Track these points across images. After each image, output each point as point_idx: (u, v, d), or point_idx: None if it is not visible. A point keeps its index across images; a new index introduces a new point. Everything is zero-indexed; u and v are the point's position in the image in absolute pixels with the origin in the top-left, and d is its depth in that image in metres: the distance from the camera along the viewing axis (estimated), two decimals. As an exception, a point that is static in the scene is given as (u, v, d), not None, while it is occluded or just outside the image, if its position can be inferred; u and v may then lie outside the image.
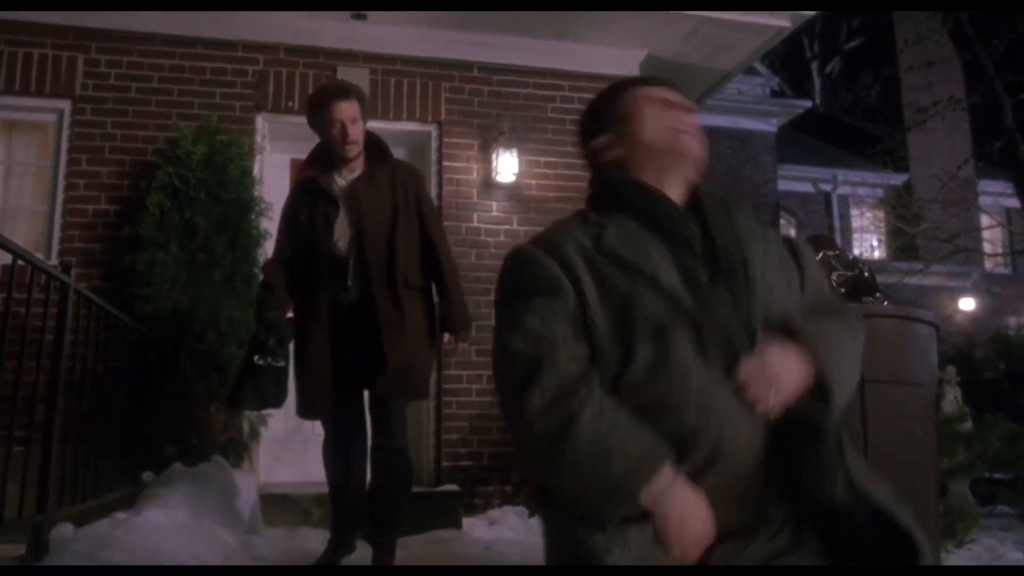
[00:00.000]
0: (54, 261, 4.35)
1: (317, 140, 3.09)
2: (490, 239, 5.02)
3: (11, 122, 4.85)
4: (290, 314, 3.07)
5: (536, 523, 2.52)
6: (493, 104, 5.17)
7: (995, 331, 12.37)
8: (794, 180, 15.63)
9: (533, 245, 1.39)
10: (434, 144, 5.10)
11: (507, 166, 5.02)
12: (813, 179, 16.05)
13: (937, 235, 11.16)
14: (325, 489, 3.12)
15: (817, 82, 22.33)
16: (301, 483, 4.37)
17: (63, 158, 4.67)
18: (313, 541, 3.51)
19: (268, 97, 4.89)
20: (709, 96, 6.25)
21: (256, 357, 2.92)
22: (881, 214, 15.34)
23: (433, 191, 4.90)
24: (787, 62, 21.14)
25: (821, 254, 2.81)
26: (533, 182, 5.15)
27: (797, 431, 1.27)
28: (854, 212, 16.21)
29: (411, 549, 3.45)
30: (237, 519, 3.54)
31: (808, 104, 15.21)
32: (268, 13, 4.81)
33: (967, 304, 15.03)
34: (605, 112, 1.50)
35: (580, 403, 1.23)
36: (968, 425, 6.17)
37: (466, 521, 4.23)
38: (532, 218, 5.05)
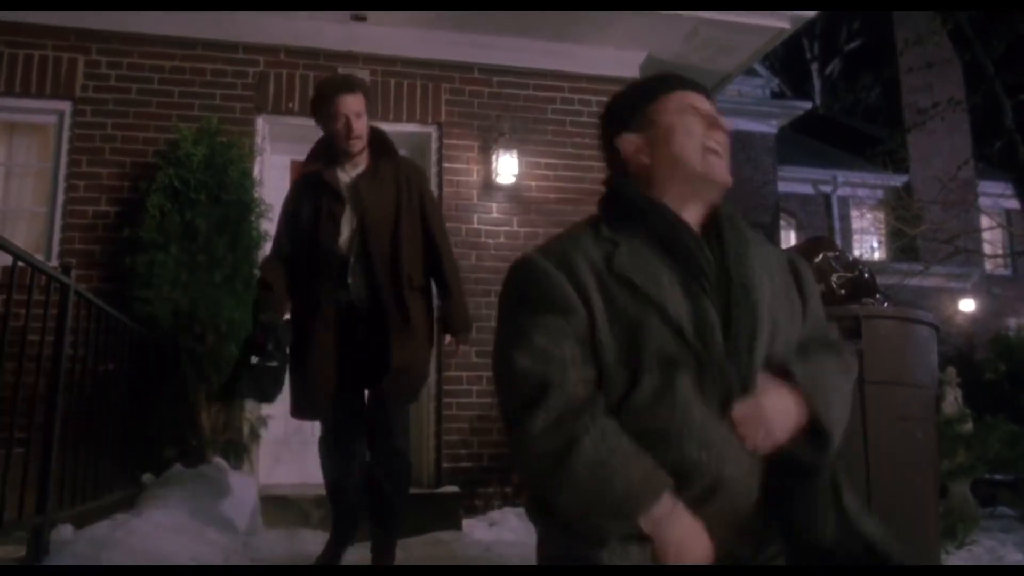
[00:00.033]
0: (54, 263, 4.35)
1: (317, 141, 3.07)
2: (490, 241, 5.02)
3: (11, 123, 4.85)
4: (288, 316, 3.03)
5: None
6: (493, 105, 5.17)
7: (995, 332, 12.34)
8: (794, 181, 15.65)
9: (543, 255, 1.34)
10: (434, 145, 5.10)
11: (507, 167, 5.02)
12: (813, 180, 16.07)
13: (937, 236, 11.15)
14: (324, 491, 3.10)
15: (817, 83, 22.34)
16: (301, 485, 4.37)
17: (63, 159, 4.67)
18: (313, 543, 3.50)
19: (268, 99, 4.90)
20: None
21: (252, 357, 2.87)
22: (881, 215, 15.32)
23: (433, 192, 4.89)
24: (787, 63, 21.15)
25: (821, 255, 2.80)
26: (533, 183, 5.15)
27: (790, 470, 1.27)
28: (854, 213, 16.20)
29: (411, 550, 3.45)
30: (237, 521, 3.54)
31: (808, 105, 15.19)
32: (268, 15, 4.81)
33: (967, 305, 15.01)
34: (636, 109, 1.42)
35: (584, 426, 1.22)
36: (968, 426, 6.16)
37: (466, 522, 4.23)
38: (532, 219, 5.05)
